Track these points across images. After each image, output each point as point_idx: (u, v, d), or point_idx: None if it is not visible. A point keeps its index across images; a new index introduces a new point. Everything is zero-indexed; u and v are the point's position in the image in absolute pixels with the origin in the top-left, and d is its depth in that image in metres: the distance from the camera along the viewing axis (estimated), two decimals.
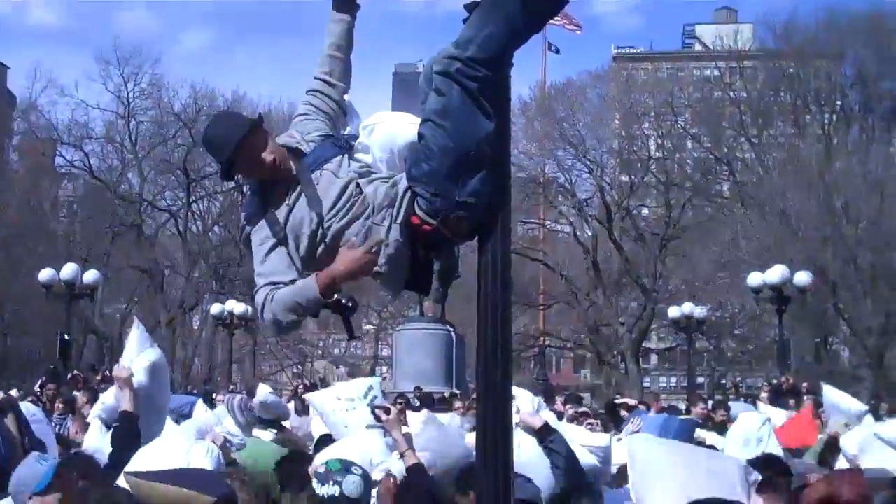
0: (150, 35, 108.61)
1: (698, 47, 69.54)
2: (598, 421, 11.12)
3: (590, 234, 50.19)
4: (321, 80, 4.27)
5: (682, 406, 15.42)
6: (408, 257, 3.88)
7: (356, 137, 4.17)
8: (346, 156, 4.01)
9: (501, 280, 3.83)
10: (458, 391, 20.83)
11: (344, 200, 3.87)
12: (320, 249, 3.89)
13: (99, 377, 15.04)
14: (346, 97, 4.34)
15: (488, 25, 3.75)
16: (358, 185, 3.90)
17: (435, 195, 3.73)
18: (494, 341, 3.78)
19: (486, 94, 3.76)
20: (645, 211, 53.19)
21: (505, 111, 3.94)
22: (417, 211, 3.78)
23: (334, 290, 3.95)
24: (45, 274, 27.58)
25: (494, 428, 3.74)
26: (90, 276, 28.13)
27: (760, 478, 5.40)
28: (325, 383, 32.15)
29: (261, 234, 3.92)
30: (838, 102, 47.37)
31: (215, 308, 36.84)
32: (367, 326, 57.91)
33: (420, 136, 3.84)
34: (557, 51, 57.27)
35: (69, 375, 19.23)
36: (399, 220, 3.82)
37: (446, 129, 3.74)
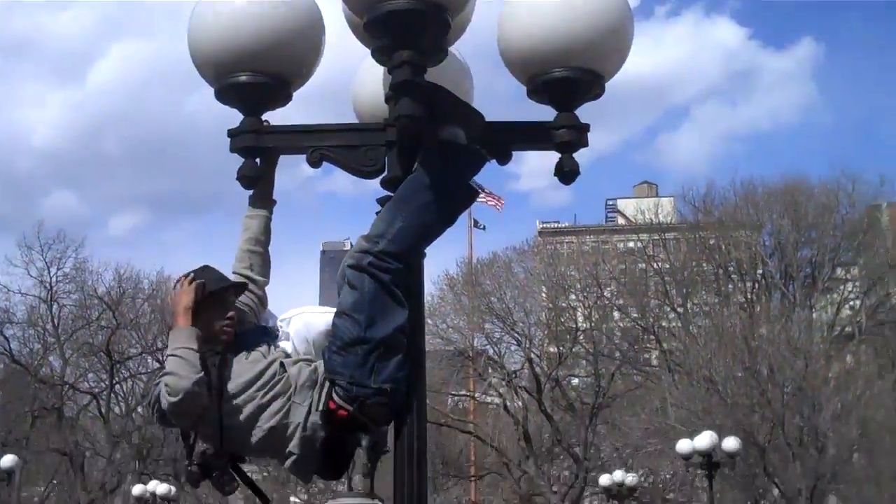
0: (75, 219, 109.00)
1: (621, 220, 71.23)
2: None
3: (520, 404, 50.07)
4: (242, 275, 4.33)
5: None
6: (321, 442, 3.91)
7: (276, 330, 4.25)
8: (273, 345, 4.06)
9: (417, 465, 3.92)
10: None
11: (268, 377, 3.90)
12: (230, 421, 3.87)
13: None
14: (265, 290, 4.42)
15: (398, 220, 3.87)
16: (282, 364, 3.94)
17: (351, 383, 3.79)
18: None
19: (398, 284, 3.86)
20: (574, 381, 53.30)
21: (420, 302, 4.04)
22: (335, 397, 3.84)
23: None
24: None
25: None
26: (7, 460, 27.64)
27: None
28: None
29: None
30: (759, 271, 48.43)
31: (137, 489, 35.97)
32: (295, 500, 56.70)
33: (333, 325, 3.92)
34: (483, 227, 58.34)
35: None
36: (320, 408, 3.85)
37: (357, 321, 3.83)
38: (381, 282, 3.82)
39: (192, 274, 4.13)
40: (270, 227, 4.38)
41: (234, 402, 3.86)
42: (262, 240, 4.36)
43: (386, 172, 4.16)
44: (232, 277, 4.26)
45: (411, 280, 3.99)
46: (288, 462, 3.95)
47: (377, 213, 4.03)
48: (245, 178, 4.26)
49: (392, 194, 4.04)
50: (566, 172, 4.24)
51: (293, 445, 3.88)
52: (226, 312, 4.04)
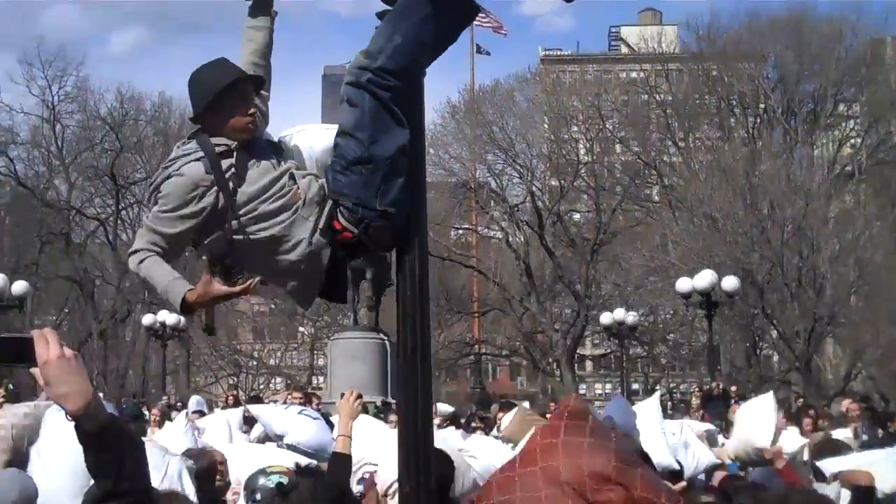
0: (76, 35, 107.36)
1: (624, 49, 70.20)
2: None
3: (521, 239, 50.34)
4: None
5: None
6: (325, 262, 3.88)
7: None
8: (280, 160, 4.00)
9: (420, 287, 3.88)
10: (392, 400, 20.81)
11: (277, 188, 3.87)
12: (235, 226, 3.84)
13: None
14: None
15: (396, 35, 3.81)
16: (292, 175, 3.92)
17: (356, 204, 3.76)
18: (414, 349, 3.83)
19: (398, 103, 3.81)
20: (576, 216, 53.47)
21: (420, 122, 3.99)
22: (339, 218, 3.81)
23: (193, 312, 3.93)
24: None
25: (416, 434, 3.78)
26: (19, 286, 27.68)
27: None
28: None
29: (177, 196, 3.84)
30: (761, 105, 47.99)
31: (147, 319, 36.40)
32: (302, 329, 57.74)
33: (336, 146, 3.88)
34: (488, 53, 57.53)
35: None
36: (322, 225, 3.84)
37: (360, 140, 3.78)
38: (381, 99, 3.76)
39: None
40: (273, 40, 4.29)
41: (242, 209, 3.84)
42: (266, 52, 4.28)
43: None
44: None
45: (411, 99, 3.92)
46: (289, 284, 3.93)
47: (376, 28, 3.94)
48: None
49: (391, 8, 3.94)
50: None
51: (295, 261, 3.86)
52: (248, 107, 3.97)
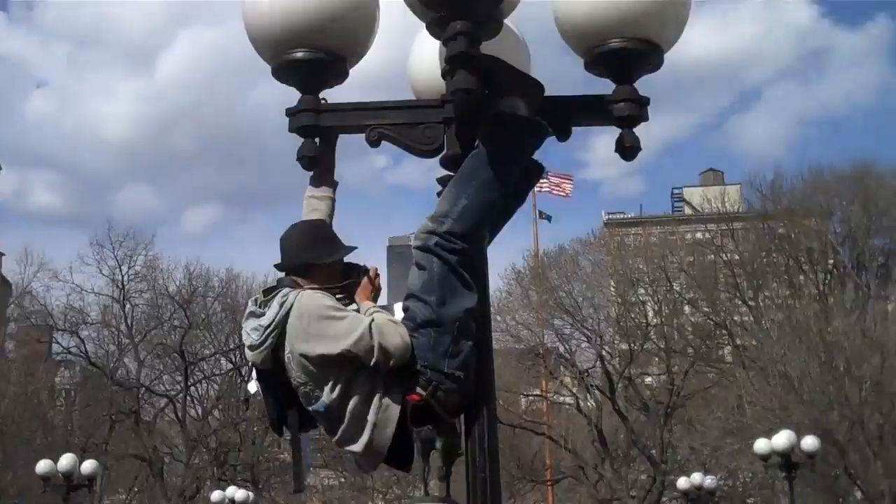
0: (147, 216, 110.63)
1: (687, 210, 70.53)
2: None
3: (593, 404, 49.77)
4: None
5: None
6: (392, 427, 3.83)
7: None
8: None
9: (489, 454, 3.85)
10: None
11: None
12: None
13: None
14: None
15: (462, 198, 3.83)
16: None
17: (425, 366, 3.71)
18: None
19: (465, 266, 3.79)
20: (648, 379, 52.87)
21: (485, 285, 3.98)
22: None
23: None
24: (42, 465, 27.25)
25: None
26: (88, 466, 27.77)
27: None
28: None
29: None
30: (830, 261, 47.64)
31: (216, 495, 36.39)
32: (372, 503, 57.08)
33: (405, 310, 3.87)
34: (549, 218, 57.98)
35: None
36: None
37: (429, 303, 3.78)
38: (448, 263, 3.79)
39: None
40: (335, 209, 4.35)
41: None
42: (329, 222, 4.33)
43: (446, 150, 4.13)
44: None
45: (477, 262, 3.91)
46: (357, 445, 3.84)
47: (438, 194, 3.96)
48: (305, 158, 4.24)
49: (452, 174, 3.99)
50: (627, 148, 4.17)
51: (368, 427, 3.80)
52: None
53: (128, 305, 50.62)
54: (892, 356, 36.89)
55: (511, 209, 4.15)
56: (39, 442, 42.96)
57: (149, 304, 51.40)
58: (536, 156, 4.14)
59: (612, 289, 51.48)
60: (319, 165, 4.32)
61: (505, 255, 49.70)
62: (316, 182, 4.35)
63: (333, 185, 4.39)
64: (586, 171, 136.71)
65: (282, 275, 4.10)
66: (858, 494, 37.24)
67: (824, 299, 44.85)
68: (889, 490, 34.65)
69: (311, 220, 4.23)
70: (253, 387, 4.11)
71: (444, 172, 4.18)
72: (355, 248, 4.16)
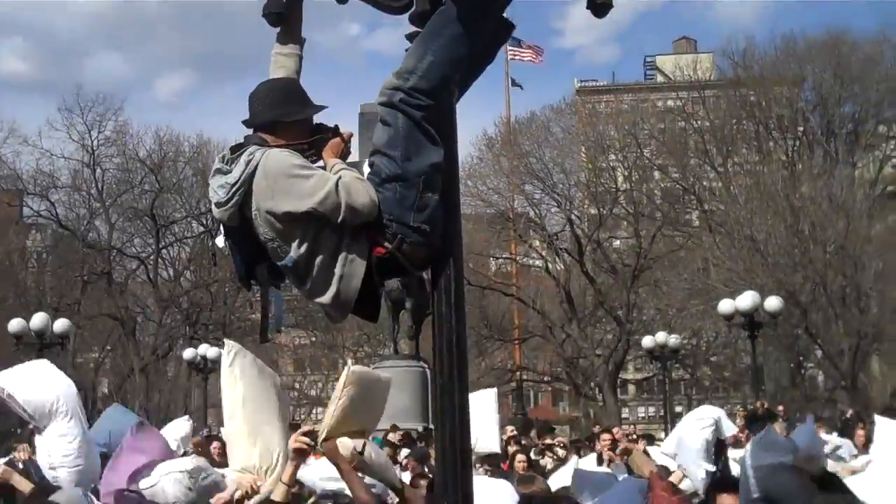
0: (118, 83, 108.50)
1: (660, 78, 70.08)
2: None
3: (561, 267, 50.28)
4: None
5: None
6: (361, 277, 3.82)
7: None
8: None
9: (456, 307, 3.85)
10: (432, 427, 20.83)
11: None
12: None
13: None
14: None
15: (428, 54, 3.80)
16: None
17: (390, 220, 3.74)
18: (451, 367, 3.79)
19: (431, 122, 3.80)
20: (616, 242, 53.33)
21: (453, 140, 3.98)
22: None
23: None
24: (15, 324, 27.38)
25: (453, 455, 3.74)
26: (60, 324, 27.89)
27: None
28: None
29: None
30: (800, 128, 47.68)
31: (188, 353, 36.82)
32: (343, 360, 57.86)
33: (371, 165, 3.87)
34: (521, 86, 57.63)
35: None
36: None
37: (394, 158, 3.77)
38: (413, 118, 3.76)
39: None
40: (301, 66, 4.31)
41: None
42: (296, 79, 4.27)
43: (415, 6, 4.04)
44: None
45: (444, 117, 3.92)
46: (325, 297, 3.90)
47: (406, 51, 3.95)
48: (272, 15, 4.18)
49: (420, 30, 3.95)
50: (599, 4, 4.09)
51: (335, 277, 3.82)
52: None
53: (98, 170, 50.35)
54: (857, 220, 37.41)
55: (480, 66, 4.10)
56: (11, 302, 43.10)
57: (119, 169, 51.12)
58: (510, 17, 4.10)
59: (583, 155, 51.50)
60: (286, 21, 4.24)
61: (477, 122, 49.47)
62: (283, 39, 4.27)
63: (301, 41, 4.31)
64: (561, 39, 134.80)
65: (250, 132, 4.05)
66: (819, 353, 38.11)
67: (792, 165, 45.09)
68: (848, 349, 35.48)
69: (280, 78, 4.16)
70: (220, 241, 4.11)
71: (414, 29, 4.13)
72: (325, 107, 4.12)
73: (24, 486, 6.67)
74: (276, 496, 4.68)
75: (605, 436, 12.51)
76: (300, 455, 4.68)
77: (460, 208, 4.09)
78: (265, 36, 4.30)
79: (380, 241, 3.77)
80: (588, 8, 4.11)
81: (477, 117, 49.81)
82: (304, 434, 4.58)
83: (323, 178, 3.75)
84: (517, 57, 52.24)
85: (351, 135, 4.09)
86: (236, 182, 3.82)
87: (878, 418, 6.72)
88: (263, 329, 4.43)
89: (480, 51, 4.01)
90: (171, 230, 51.85)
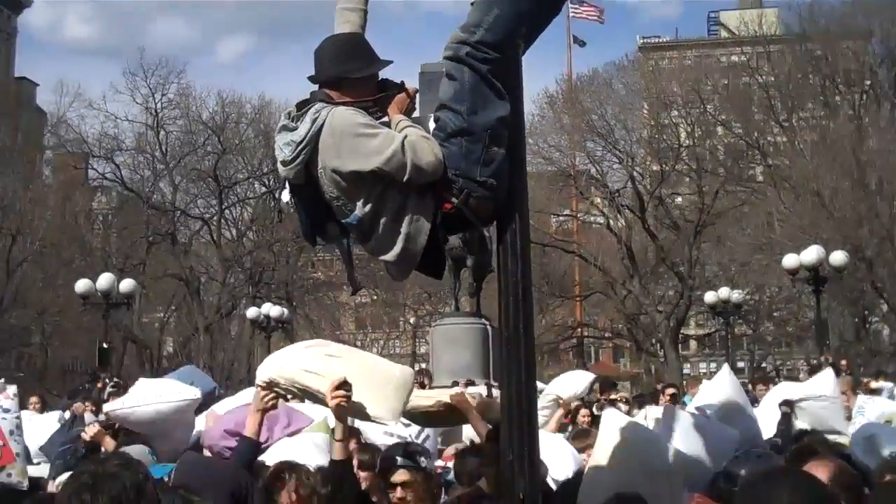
0: (180, 46, 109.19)
1: (724, 34, 69.08)
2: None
3: (623, 223, 49.97)
4: None
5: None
6: (427, 234, 3.87)
7: None
8: None
9: (522, 260, 3.86)
10: (495, 383, 20.85)
11: None
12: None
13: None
14: None
15: (494, 8, 3.79)
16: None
17: (456, 175, 3.74)
18: (517, 320, 3.81)
19: (497, 76, 3.79)
20: (678, 199, 52.84)
21: (518, 94, 3.97)
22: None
23: None
24: (81, 285, 27.85)
25: (519, 409, 3.77)
26: (126, 285, 28.28)
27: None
28: None
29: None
30: (867, 82, 46.58)
31: (251, 312, 37.23)
32: (404, 319, 58.35)
33: (436, 120, 3.88)
34: (583, 44, 57.19)
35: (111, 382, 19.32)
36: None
37: (460, 113, 3.78)
38: (479, 72, 3.76)
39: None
40: (367, 21, 4.30)
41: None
42: (361, 35, 4.27)
43: None
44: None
45: (510, 73, 3.91)
46: (390, 255, 3.92)
47: (472, 4, 3.93)
48: None
49: None
50: None
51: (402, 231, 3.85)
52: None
53: (161, 132, 50.90)
54: None
55: (545, 20, 4.06)
56: (78, 264, 43.82)
57: (182, 131, 51.61)
58: None
59: (646, 111, 51.01)
60: None
61: (539, 80, 49.14)
62: None
63: None
64: None
65: (315, 89, 4.06)
66: (884, 307, 37.56)
67: (859, 119, 44.21)
68: None
69: (346, 34, 4.17)
70: (286, 196, 4.13)
71: None
72: (390, 62, 4.12)
73: (109, 445, 6.88)
74: (335, 454, 4.72)
75: (670, 390, 12.48)
76: (342, 410, 4.67)
77: (526, 164, 4.09)
78: None
79: (446, 197, 3.78)
80: None
81: (539, 75, 49.45)
82: (338, 387, 4.59)
83: (389, 136, 3.76)
84: (579, 14, 51.81)
85: (416, 91, 4.09)
86: (302, 140, 3.84)
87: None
88: (351, 278, 4.45)
89: (546, 3, 3.99)
90: (233, 191, 52.32)
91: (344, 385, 4.55)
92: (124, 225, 51.85)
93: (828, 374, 8.14)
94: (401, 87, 4.05)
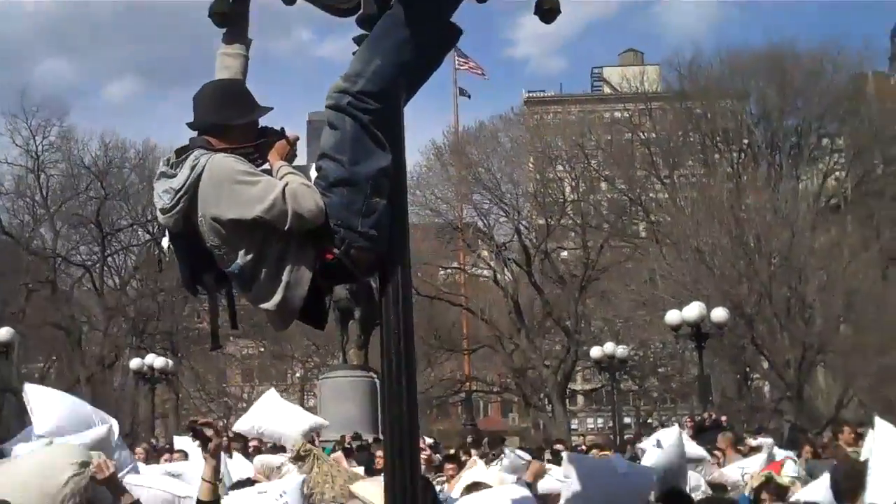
0: (63, 88, 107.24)
1: (607, 89, 70.64)
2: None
3: (510, 277, 50.39)
4: None
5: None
6: (308, 283, 3.80)
7: None
8: None
9: (404, 312, 3.83)
10: (381, 437, 20.78)
11: None
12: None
13: None
14: None
15: (376, 58, 3.78)
16: None
17: (338, 225, 3.71)
18: (399, 374, 3.77)
19: (379, 126, 3.78)
20: (564, 253, 53.55)
21: (400, 145, 3.96)
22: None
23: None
24: None
25: (402, 464, 3.72)
26: (4, 333, 27.63)
27: None
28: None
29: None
30: (745, 140, 48.23)
31: (135, 363, 36.44)
32: (291, 371, 57.67)
33: (318, 169, 3.84)
34: (469, 96, 57.87)
35: None
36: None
37: (342, 162, 3.75)
38: (361, 122, 3.74)
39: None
40: (247, 68, 4.26)
41: None
42: (242, 81, 4.24)
43: (362, 9, 4.03)
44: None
45: (392, 122, 3.90)
46: (270, 304, 3.85)
47: (353, 54, 3.92)
48: (217, 15, 4.15)
49: (368, 33, 3.93)
50: (546, 11, 4.10)
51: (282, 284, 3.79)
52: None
53: (42, 176, 49.75)
54: (801, 233, 37.82)
55: (427, 71, 4.07)
56: None
57: (64, 175, 50.49)
58: (459, 22, 4.07)
59: (531, 165, 51.76)
60: (232, 22, 4.21)
61: (425, 131, 49.44)
62: (228, 39, 4.23)
63: (247, 42, 4.26)
64: (510, 49, 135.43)
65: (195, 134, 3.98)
66: (765, 364, 38.42)
67: (738, 177, 45.55)
68: (794, 360, 35.82)
69: (225, 80, 4.11)
70: (166, 242, 4.05)
71: (361, 32, 4.09)
72: (271, 108, 4.06)
73: None
74: (202, 495, 4.61)
75: (559, 447, 12.56)
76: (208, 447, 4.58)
77: (408, 214, 4.08)
78: (213, 41, 4.25)
79: (327, 247, 3.74)
80: (536, 14, 4.12)
81: (425, 126, 49.85)
82: (203, 425, 4.49)
83: (269, 184, 3.71)
84: (464, 67, 52.51)
85: (297, 138, 4.06)
86: (181, 188, 3.77)
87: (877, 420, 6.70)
88: (214, 335, 4.38)
89: (428, 55, 4.00)
90: (116, 238, 51.27)
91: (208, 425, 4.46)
92: (2, 271, 50.30)
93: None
94: (281, 134, 4.01)
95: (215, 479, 4.60)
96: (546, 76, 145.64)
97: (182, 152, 3.89)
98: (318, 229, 3.72)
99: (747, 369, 40.42)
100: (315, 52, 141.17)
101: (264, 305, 3.85)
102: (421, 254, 43.78)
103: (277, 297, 3.79)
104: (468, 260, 52.99)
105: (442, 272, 53.08)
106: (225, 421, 54.83)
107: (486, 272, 52.56)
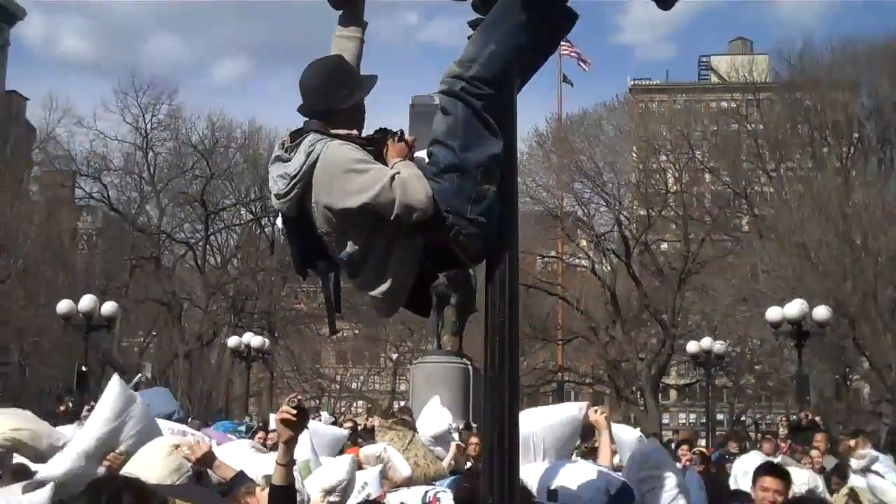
0: (170, 65, 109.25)
1: (714, 79, 69.56)
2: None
3: (608, 268, 49.96)
4: None
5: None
6: (415, 271, 3.83)
7: None
8: None
9: (510, 301, 3.81)
10: (474, 424, 20.74)
11: None
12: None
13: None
14: None
15: (490, 43, 3.75)
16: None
17: (447, 211, 3.69)
18: (502, 360, 3.75)
19: (491, 112, 3.75)
20: (664, 245, 52.93)
21: (512, 132, 3.93)
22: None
23: None
24: (63, 305, 27.55)
25: (500, 452, 3.69)
26: (108, 307, 28.03)
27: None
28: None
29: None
30: (855, 134, 46.92)
31: (233, 341, 36.98)
32: (385, 354, 58.12)
33: (429, 155, 3.83)
34: (571, 83, 57.40)
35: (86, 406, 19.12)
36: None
37: (452, 148, 3.73)
38: (473, 107, 3.72)
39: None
40: (363, 50, 4.27)
41: None
42: (357, 62, 4.25)
43: None
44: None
45: (505, 108, 3.87)
46: (377, 291, 3.86)
47: (468, 38, 3.89)
48: None
49: (483, 17, 3.90)
50: None
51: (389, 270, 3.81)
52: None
53: (150, 153, 50.83)
54: None
55: (542, 57, 4.04)
56: (61, 283, 43.50)
57: (171, 153, 51.50)
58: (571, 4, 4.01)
59: (634, 154, 51.11)
60: (348, 4, 4.24)
61: (528, 118, 49.17)
62: (345, 21, 4.27)
63: (363, 24, 4.29)
64: (618, 35, 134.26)
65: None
66: (866, 365, 37.53)
67: (846, 172, 44.36)
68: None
69: (327, 59, 4.12)
70: (281, 222, 4.11)
71: (476, 16, 4.06)
72: (375, 76, 4.11)
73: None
74: (274, 479, 4.55)
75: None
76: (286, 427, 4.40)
77: (518, 201, 4.05)
78: (325, 24, 4.27)
79: (436, 234, 3.73)
80: (654, 0, 4.04)
81: (528, 112, 49.54)
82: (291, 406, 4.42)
83: (380, 172, 3.72)
84: (570, 52, 52.00)
85: (416, 140, 4.04)
86: (296, 174, 3.81)
87: None
88: (332, 321, 4.38)
89: (542, 40, 3.95)
90: (220, 217, 52.16)
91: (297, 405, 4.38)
92: (108, 246, 51.58)
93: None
94: (400, 136, 3.99)
95: (290, 463, 4.54)
96: (653, 64, 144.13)
97: (297, 136, 3.91)
98: (427, 217, 3.71)
99: (847, 370, 39.57)
100: (419, 36, 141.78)
101: (372, 293, 3.87)
102: (520, 241, 43.51)
103: (385, 285, 3.82)
104: (566, 249, 52.70)
105: (540, 261, 52.85)
106: (318, 402, 55.64)
107: (584, 262, 52.20)
